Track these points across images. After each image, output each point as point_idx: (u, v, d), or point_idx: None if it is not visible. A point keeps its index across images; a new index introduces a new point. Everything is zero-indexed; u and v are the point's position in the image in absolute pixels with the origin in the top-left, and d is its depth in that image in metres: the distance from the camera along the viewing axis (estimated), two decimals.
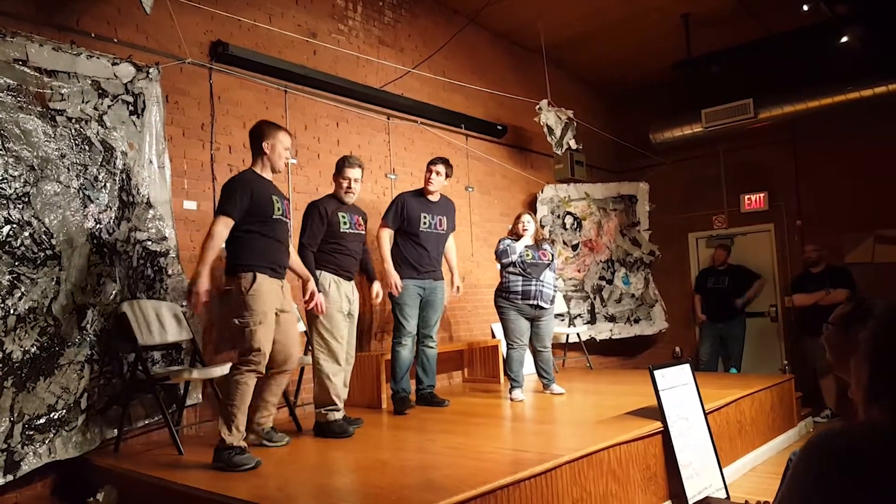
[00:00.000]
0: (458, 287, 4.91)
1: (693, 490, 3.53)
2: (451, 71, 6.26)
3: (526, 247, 4.93)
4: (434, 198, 4.73)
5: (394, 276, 4.43)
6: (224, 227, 3.18)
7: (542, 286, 4.88)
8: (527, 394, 4.95)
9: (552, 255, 5.06)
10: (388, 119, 5.62)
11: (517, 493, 2.62)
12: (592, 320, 7.34)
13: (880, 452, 1.08)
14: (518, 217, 5.08)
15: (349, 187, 4.04)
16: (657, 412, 3.64)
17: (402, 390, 4.49)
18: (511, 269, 4.90)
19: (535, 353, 5.11)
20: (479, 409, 4.62)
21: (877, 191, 6.75)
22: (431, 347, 4.77)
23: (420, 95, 5.93)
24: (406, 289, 4.50)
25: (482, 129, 6.57)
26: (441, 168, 4.69)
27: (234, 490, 2.64)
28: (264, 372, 3.31)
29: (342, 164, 4.08)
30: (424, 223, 4.61)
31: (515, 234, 5.02)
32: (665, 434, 3.58)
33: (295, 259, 3.67)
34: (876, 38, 5.89)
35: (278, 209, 3.37)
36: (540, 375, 5.10)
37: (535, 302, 4.86)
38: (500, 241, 5.06)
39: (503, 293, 4.92)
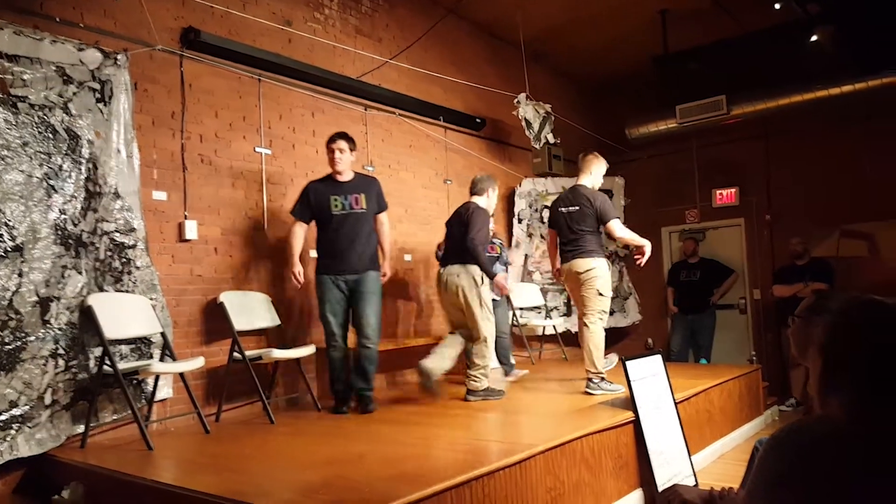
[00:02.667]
0: (384, 273, 4.49)
1: (663, 477, 3.57)
2: (430, 62, 6.22)
3: None
4: (344, 177, 4.36)
5: (295, 267, 4.31)
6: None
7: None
8: (499, 385, 4.98)
9: (500, 248, 5.44)
10: (366, 110, 5.57)
11: (492, 483, 2.62)
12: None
13: (838, 444, 1.11)
14: None
15: None
16: (629, 402, 3.68)
17: (339, 391, 4.34)
18: None
19: (495, 340, 5.16)
20: (454, 400, 4.61)
21: (843, 187, 6.86)
22: (369, 348, 4.28)
23: (398, 86, 5.88)
24: (321, 284, 4.28)
25: (461, 122, 6.55)
26: (342, 144, 4.33)
27: (205, 485, 2.59)
28: None
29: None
30: (336, 206, 4.27)
31: None
32: (637, 423, 3.62)
33: None
34: (845, 37, 5.98)
35: None
36: (500, 362, 5.20)
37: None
38: None
39: None
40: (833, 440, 1.13)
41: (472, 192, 4.75)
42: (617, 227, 4.49)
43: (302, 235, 4.37)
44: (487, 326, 4.46)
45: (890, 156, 6.61)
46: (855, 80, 6.24)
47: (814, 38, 6.03)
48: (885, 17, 5.56)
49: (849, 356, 1.19)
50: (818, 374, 1.24)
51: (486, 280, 4.52)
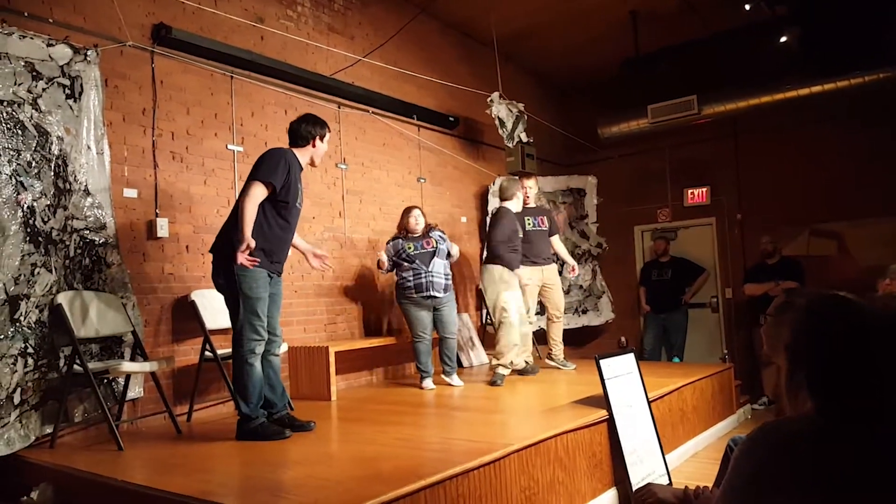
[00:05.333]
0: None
1: (637, 476, 3.60)
2: (403, 61, 6.21)
3: (407, 240, 5.04)
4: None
5: (248, 240, 3.29)
6: None
7: (432, 276, 4.96)
8: (475, 385, 5.02)
9: (436, 241, 5.05)
10: (339, 108, 5.55)
11: (466, 482, 2.63)
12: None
13: (810, 441, 1.12)
14: (409, 211, 5.12)
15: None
16: (603, 401, 3.70)
17: (263, 413, 3.51)
18: (402, 266, 5.01)
19: (441, 341, 5.15)
20: (430, 399, 4.63)
21: (812, 186, 7.01)
22: (277, 355, 3.74)
23: (371, 84, 5.87)
24: (256, 278, 3.44)
25: (434, 120, 6.55)
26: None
27: (176, 486, 2.57)
28: None
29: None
30: (298, 199, 3.65)
31: (405, 229, 5.09)
32: (610, 422, 3.64)
33: None
34: (812, 38, 6.09)
35: None
36: (442, 362, 5.18)
37: (428, 293, 4.96)
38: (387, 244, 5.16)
39: (400, 290, 5.06)
40: (805, 437, 1.14)
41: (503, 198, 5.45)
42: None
43: None
44: (503, 325, 5.23)
45: (857, 156, 6.76)
46: (823, 81, 6.36)
47: (783, 39, 6.13)
48: (850, 20, 5.68)
49: (814, 351, 1.21)
50: (787, 371, 1.26)
51: (507, 281, 5.18)
